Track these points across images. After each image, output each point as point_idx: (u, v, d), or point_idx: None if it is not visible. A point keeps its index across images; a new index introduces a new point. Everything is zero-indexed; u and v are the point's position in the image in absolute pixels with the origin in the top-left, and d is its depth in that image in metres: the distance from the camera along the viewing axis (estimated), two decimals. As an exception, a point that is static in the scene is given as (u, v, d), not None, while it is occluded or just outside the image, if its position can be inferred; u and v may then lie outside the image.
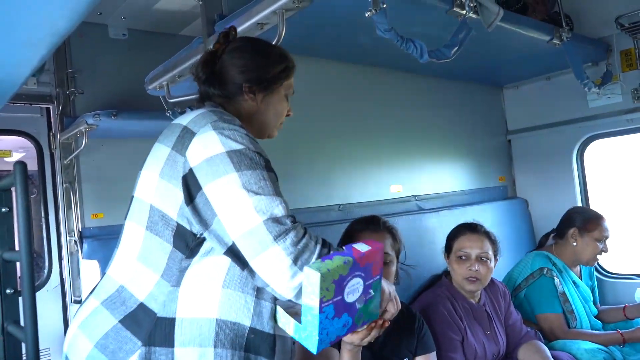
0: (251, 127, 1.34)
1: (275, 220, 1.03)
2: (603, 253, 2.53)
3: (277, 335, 1.16)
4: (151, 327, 1.10)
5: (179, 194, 1.11)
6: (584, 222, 2.55)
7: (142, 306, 1.13)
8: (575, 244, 2.53)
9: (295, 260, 1.01)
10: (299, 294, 1.03)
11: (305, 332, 1.03)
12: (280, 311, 1.13)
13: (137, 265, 1.17)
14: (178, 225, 1.12)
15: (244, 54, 1.36)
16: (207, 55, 1.39)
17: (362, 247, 1.08)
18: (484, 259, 2.08)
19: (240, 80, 1.32)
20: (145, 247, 1.16)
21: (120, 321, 1.12)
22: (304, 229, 1.07)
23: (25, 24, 0.72)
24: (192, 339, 1.09)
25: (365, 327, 1.16)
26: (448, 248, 2.19)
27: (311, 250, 1.04)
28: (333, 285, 0.99)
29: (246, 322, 1.12)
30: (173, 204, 1.12)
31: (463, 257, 2.09)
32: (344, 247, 1.09)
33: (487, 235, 2.14)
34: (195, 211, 1.09)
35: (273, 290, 1.06)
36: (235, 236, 1.05)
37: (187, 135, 1.13)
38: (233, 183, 1.06)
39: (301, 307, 1.03)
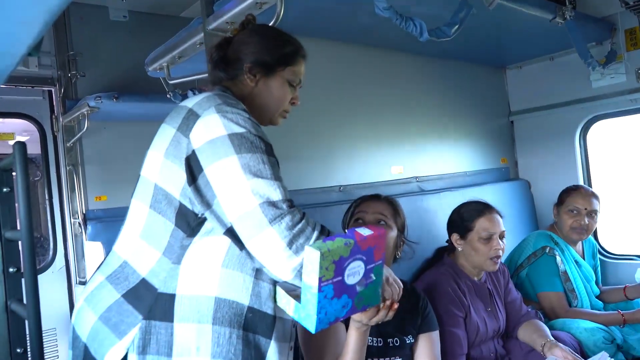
0: (252, 111, 1.34)
1: (272, 203, 1.05)
2: (581, 224, 2.51)
3: (277, 317, 1.18)
4: (152, 302, 1.13)
5: (182, 175, 1.13)
6: (559, 196, 2.63)
7: (143, 281, 1.16)
8: (555, 220, 2.62)
9: (289, 244, 1.03)
10: (295, 276, 1.05)
11: (304, 311, 1.05)
12: (280, 292, 1.15)
13: (140, 242, 1.20)
14: (181, 204, 1.15)
15: (252, 37, 1.38)
16: (222, 39, 1.42)
17: (364, 231, 1.09)
18: (503, 237, 2.11)
19: (244, 60, 1.35)
20: (149, 225, 1.19)
21: (123, 295, 1.16)
22: (302, 213, 1.09)
23: (16, 1, 0.72)
24: (190, 315, 1.12)
25: (370, 307, 1.18)
26: (465, 229, 2.12)
27: (307, 235, 1.06)
28: (333, 266, 1.01)
29: (245, 301, 1.15)
30: (176, 183, 1.14)
31: (487, 238, 2.07)
32: (346, 231, 1.10)
33: (499, 212, 2.16)
34: (197, 192, 1.12)
35: (269, 271, 1.08)
36: (233, 218, 1.07)
37: (191, 117, 1.15)
38: (232, 165, 1.08)
39: (301, 287, 1.04)
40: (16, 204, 1.39)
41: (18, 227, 1.36)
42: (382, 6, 1.56)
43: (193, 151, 1.12)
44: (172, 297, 1.13)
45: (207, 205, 1.11)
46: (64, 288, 2.76)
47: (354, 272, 1.06)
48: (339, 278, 1.03)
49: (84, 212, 2.61)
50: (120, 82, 2.70)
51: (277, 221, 1.04)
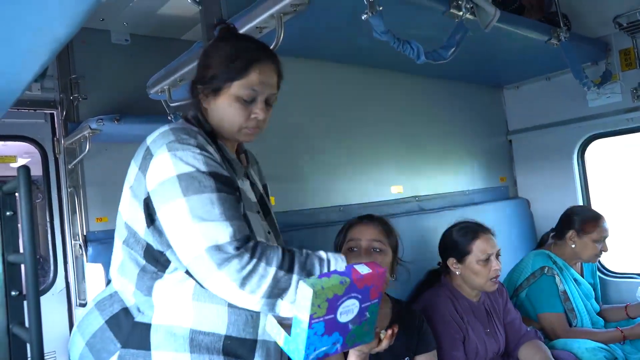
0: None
1: (218, 247, 1.03)
2: (603, 252, 2.52)
3: (258, 340, 1.19)
4: (129, 331, 1.15)
5: (143, 215, 1.14)
6: (581, 224, 2.54)
7: (125, 310, 1.18)
8: (573, 246, 2.54)
9: (242, 285, 1.02)
10: (263, 305, 1.04)
11: (293, 344, 1.04)
12: (272, 320, 1.13)
13: (118, 276, 1.23)
14: (147, 243, 1.16)
15: (204, 52, 1.31)
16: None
17: (362, 268, 1.07)
18: (499, 255, 2.09)
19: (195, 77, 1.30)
20: (124, 260, 1.21)
21: (106, 322, 1.19)
22: (251, 251, 1.05)
23: (25, 31, 0.74)
24: (167, 344, 1.13)
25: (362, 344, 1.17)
26: (462, 253, 2.10)
27: (260, 273, 1.03)
28: (326, 304, 1.00)
29: (221, 330, 1.15)
30: (141, 223, 1.16)
31: (486, 259, 2.06)
32: (344, 266, 1.08)
33: (491, 231, 2.15)
34: (157, 232, 1.13)
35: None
36: (186, 262, 1.07)
37: (148, 156, 1.14)
38: (180, 209, 1.06)
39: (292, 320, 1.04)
40: (19, 226, 1.41)
41: (21, 250, 1.37)
42: (380, 30, 1.59)
43: (149, 193, 1.12)
44: (147, 326, 1.15)
45: (168, 245, 1.12)
46: (65, 310, 2.75)
47: (348, 310, 1.05)
48: (331, 316, 1.02)
49: (84, 233, 2.61)
50: (121, 105, 2.72)
51: (225, 265, 1.02)
